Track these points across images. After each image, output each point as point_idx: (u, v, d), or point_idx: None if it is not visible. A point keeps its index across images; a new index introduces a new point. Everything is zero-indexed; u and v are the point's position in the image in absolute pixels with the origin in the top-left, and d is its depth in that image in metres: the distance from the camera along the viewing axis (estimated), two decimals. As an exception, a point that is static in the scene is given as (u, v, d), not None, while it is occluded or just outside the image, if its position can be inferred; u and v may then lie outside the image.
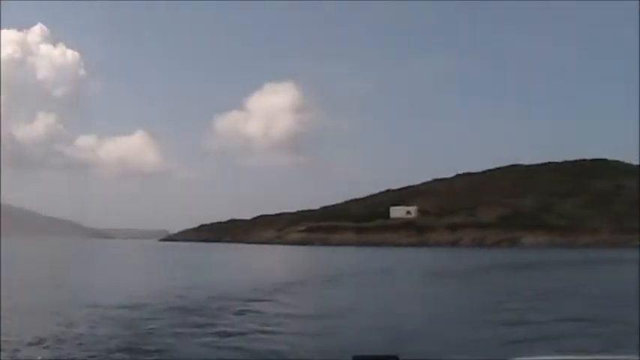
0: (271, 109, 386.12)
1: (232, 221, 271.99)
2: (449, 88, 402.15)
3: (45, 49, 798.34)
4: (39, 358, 16.25)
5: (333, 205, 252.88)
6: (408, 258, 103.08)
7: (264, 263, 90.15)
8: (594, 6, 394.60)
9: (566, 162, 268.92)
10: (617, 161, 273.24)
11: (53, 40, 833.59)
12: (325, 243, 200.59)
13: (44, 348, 17.42)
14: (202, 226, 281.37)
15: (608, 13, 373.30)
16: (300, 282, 45.64)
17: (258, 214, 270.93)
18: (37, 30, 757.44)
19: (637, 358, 5.36)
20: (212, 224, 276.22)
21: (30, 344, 17.86)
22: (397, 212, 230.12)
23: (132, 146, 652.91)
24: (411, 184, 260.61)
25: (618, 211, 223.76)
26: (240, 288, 37.62)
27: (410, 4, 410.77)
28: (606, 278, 56.77)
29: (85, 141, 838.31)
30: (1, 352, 16.56)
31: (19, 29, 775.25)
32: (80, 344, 17.94)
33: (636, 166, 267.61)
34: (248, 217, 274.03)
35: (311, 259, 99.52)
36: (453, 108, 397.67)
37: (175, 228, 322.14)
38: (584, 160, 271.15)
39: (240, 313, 26.18)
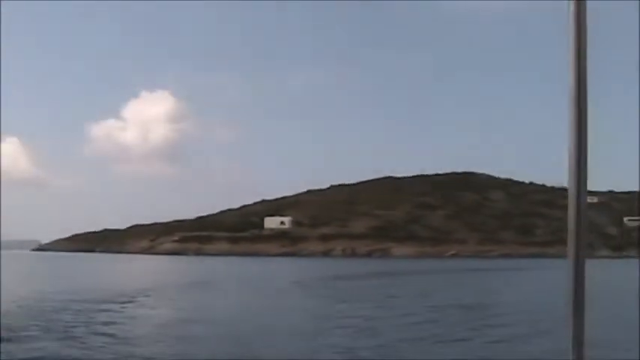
0: (147, 117, 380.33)
1: (106, 231, 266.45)
2: (327, 99, 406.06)
3: None
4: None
5: (208, 215, 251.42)
6: (277, 268, 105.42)
7: (132, 272, 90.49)
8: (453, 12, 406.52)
9: (437, 175, 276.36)
10: (484, 174, 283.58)
11: None
12: (199, 253, 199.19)
13: None
14: (75, 235, 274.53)
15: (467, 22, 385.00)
16: (159, 288, 47.14)
17: (133, 224, 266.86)
18: None
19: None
20: (85, 234, 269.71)
21: None
22: (271, 222, 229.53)
23: (3, 153, 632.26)
24: (285, 194, 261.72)
25: (484, 222, 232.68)
26: (102, 294, 38.88)
27: (291, 13, 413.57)
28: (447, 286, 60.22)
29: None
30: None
31: None
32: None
33: (502, 179, 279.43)
34: (122, 226, 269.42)
35: (179, 269, 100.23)
36: (330, 119, 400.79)
37: (48, 238, 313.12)
38: (453, 172, 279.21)
39: (92, 318, 27.63)
